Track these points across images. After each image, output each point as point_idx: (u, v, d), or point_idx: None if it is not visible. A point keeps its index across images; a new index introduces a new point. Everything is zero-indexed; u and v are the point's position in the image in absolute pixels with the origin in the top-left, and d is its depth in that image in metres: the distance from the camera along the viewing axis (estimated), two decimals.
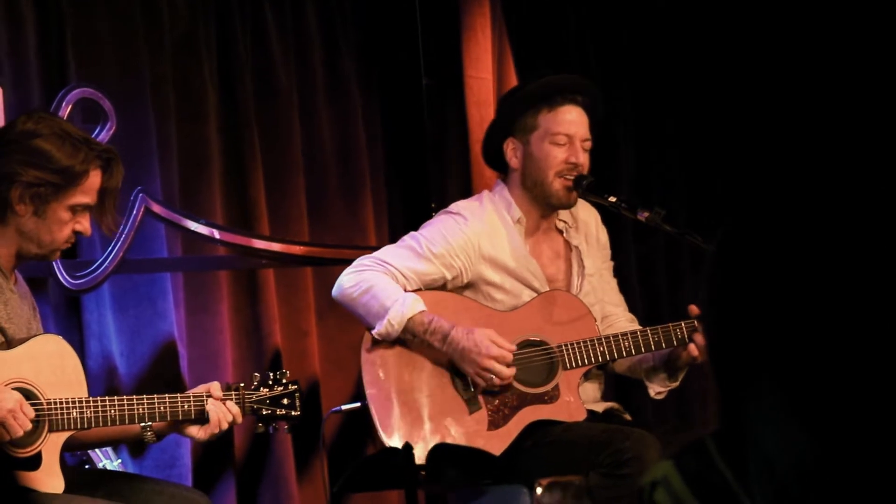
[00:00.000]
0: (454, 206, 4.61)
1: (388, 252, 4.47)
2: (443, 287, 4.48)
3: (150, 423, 3.79)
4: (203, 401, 3.79)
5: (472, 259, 4.48)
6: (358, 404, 4.51)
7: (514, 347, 4.36)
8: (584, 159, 4.51)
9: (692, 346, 4.40)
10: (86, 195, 3.76)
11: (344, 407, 4.71)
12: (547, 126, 4.51)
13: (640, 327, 4.53)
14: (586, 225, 4.70)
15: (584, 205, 4.70)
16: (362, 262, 4.44)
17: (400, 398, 4.36)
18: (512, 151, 4.56)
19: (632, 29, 6.10)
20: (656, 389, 4.61)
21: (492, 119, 4.84)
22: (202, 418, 3.79)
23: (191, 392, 3.83)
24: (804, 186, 1.37)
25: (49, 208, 3.72)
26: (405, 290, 4.38)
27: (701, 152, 6.16)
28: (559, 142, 4.49)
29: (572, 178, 4.49)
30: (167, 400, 3.77)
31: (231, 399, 3.87)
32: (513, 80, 5.70)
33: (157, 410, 3.76)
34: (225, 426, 3.81)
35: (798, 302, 1.33)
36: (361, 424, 4.61)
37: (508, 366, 4.34)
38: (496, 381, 4.32)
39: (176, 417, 3.78)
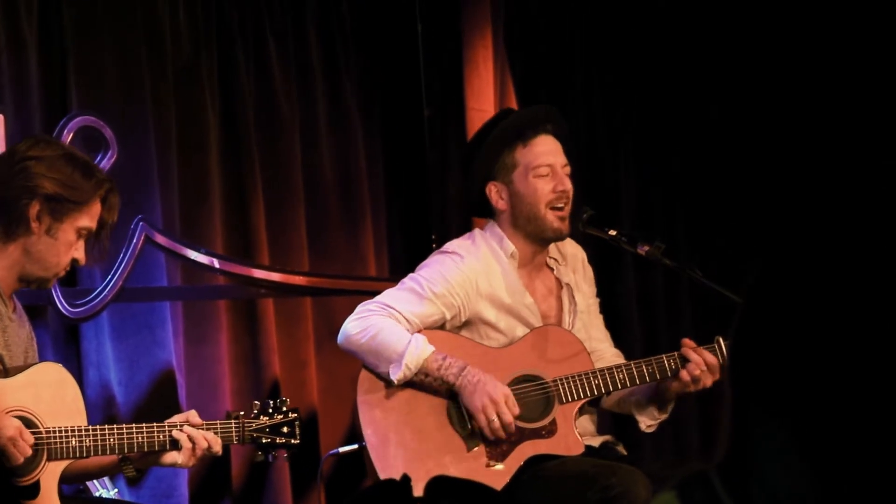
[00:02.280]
0: (448, 246, 4.61)
1: (390, 296, 4.46)
2: (441, 327, 4.48)
3: (129, 458, 3.76)
4: (180, 428, 3.77)
5: (471, 296, 4.48)
6: (355, 446, 4.50)
7: (516, 411, 4.35)
8: (569, 185, 4.52)
9: (683, 373, 4.40)
10: (92, 219, 3.77)
11: (341, 449, 4.70)
12: (526, 161, 4.50)
13: (634, 360, 4.52)
14: (574, 261, 4.70)
15: (571, 241, 4.71)
16: (366, 307, 4.42)
17: (398, 438, 4.35)
18: (497, 194, 4.55)
19: (635, 61, 6.11)
20: (647, 423, 4.61)
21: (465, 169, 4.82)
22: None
23: (175, 418, 3.81)
24: (829, 238, 1.38)
25: (61, 228, 3.72)
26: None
27: (703, 186, 6.17)
28: (542, 174, 4.49)
29: (562, 206, 4.49)
30: (167, 428, 3.76)
31: (230, 427, 3.86)
32: None
33: (155, 439, 3.75)
34: (199, 453, 3.78)
35: (819, 348, 1.35)
36: (360, 460, 4.60)
37: (510, 419, 4.34)
38: (496, 422, 4.30)
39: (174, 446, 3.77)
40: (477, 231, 4.64)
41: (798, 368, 1.35)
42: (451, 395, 4.37)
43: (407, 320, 4.37)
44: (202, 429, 3.79)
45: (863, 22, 5.85)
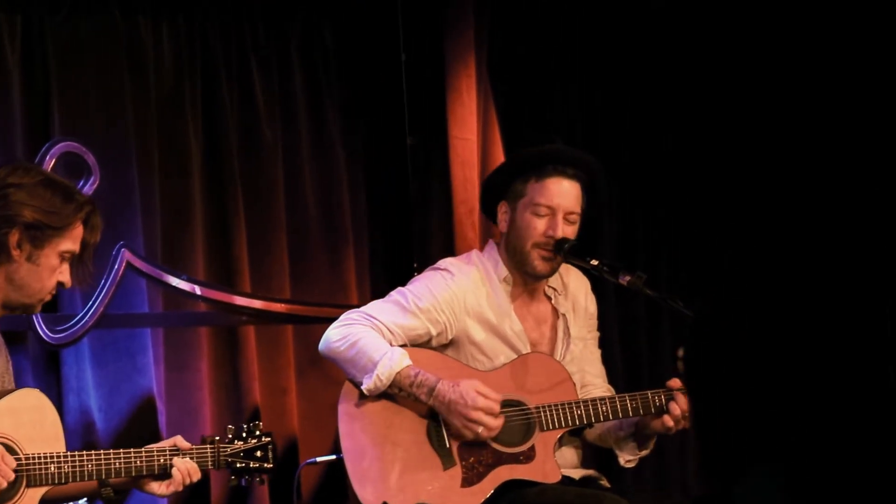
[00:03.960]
0: (441, 263, 4.61)
1: (374, 307, 4.46)
2: (427, 344, 4.47)
3: (108, 480, 3.75)
4: (168, 455, 3.77)
5: (457, 314, 4.48)
6: (333, 457, 4.49)
7: (500, 397, 4.34)
8: (564, 233, 4.49)
9: (666, 417, 4.42)
10: (74, 243, 3.76)
11: (319, 459, 4.69)
12: (532, 195, 4.51)
13: (619, 394, 4.53)
14: (576, 293, 4.70)
15: (576, 273, 4.70)
16: (349, 316, 4.44)
17: (375, 451, 4.35)
18: (503, 215, 4.57)
19: (618, 88, 6.12)
20: (626, 458, 4.61)
21: (483, 179, 4.86)
22: (164, 474, 3.76)
23: (154, 446, 3.80)
24: (779, 275, 1.42)
25: (42, 254, 3.71)
26: (391, 346, 4.38)
27: (686, 217, 6.18)
28: (540, 213, 4.49)
29: (550, 250, 4.49)
30: (143, 454, 3.76)
31: (206, 452, 3.86)
32: (497, 141, 5.72)
33: (133, 465, 3.74)
34: (187, 482, 3.79)
35: (761, 383, 1.39)
36: (336, 479, 4.60)
37: (496, 416, 4.33)
38: (484, 433, 4.31)
39: (152, 472, 3.77)
40: (475, 251, 4.66)
41: (780, 413, 1.37)
42: (431, 411, 4.37)
43: (390, 331, 4.38)
44: (190, 453, 3.79)
45: (839, 73, 5.90)
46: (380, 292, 4.84)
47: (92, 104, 5.11)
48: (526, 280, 4.59)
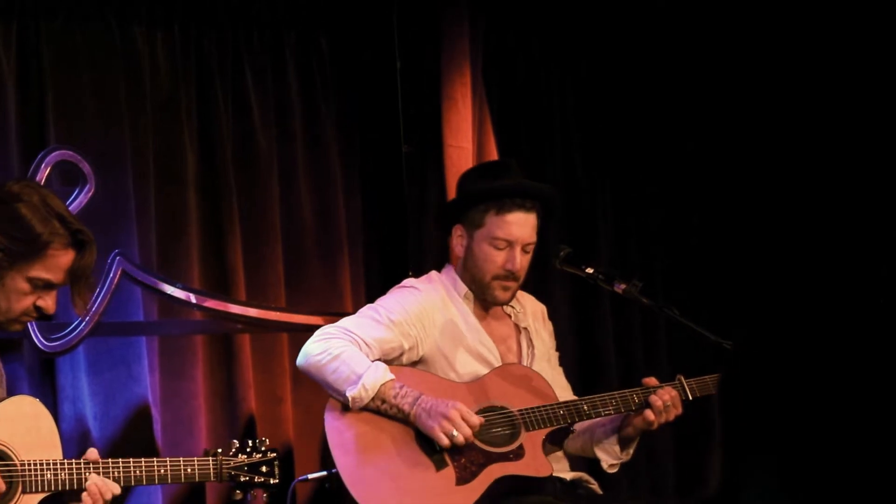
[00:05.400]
0: (406, 282, 4.72)
1: (349, 321, 4.53)
2: (398, 359, 4.52)
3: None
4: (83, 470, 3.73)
5: (427, 328, 4.53)
6: (324, 473, 4.51)
7: (480, 419, 4.37)
8: (522, 264, 4.56)
9: (648, 412, 4.46)
10: (48, 271, 3.71)
11: (311, 476, 4.70)
12: (490, 228, 4.55)
13: (598, 394, 4.57)
14: (534, 314, 4.77)
15: (530, 298, 4.77)
16: (326, 330, 4.48)
17: (368, 458, 4.37)
18: (458, 239, 4.62)
19: (615, 97, 6.13)
20: (609, 462, 4.66)
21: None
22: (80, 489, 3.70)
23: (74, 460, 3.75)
24: (809, 304, 1.47)
25: (7, 275, 3.70)
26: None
27: (682, 224, 6.18)
28: (499, 246, 4.55)
29: (510, 279, 4.54)
30: (143, 463, 3.75)
31: (207, 464, 3.85)
32: (492, 149, 5.72)
33: (132, 474, 3.73)
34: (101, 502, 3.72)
35: (800, 396, 1.42)
36: (329, 496, 4.60)
37: (475, 429, 4.35)
38: (459, 437, 4.31)
39: (143, 482, 3.75)
40: (434, 272, 4.72)
41: (784, 415, 1.39)
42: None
43: (367, 344, 4.43)
44: (98, 467, 3.73)
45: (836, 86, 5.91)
46: (375, 300, 4.85)
47: (87, 112, 5.10)
48: (484, 298, 4.64)
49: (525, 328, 4.71)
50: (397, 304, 4.55)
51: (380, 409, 4.38)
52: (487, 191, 4.57)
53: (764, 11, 5.99)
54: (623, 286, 4.51)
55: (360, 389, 4.33)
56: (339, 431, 4.40)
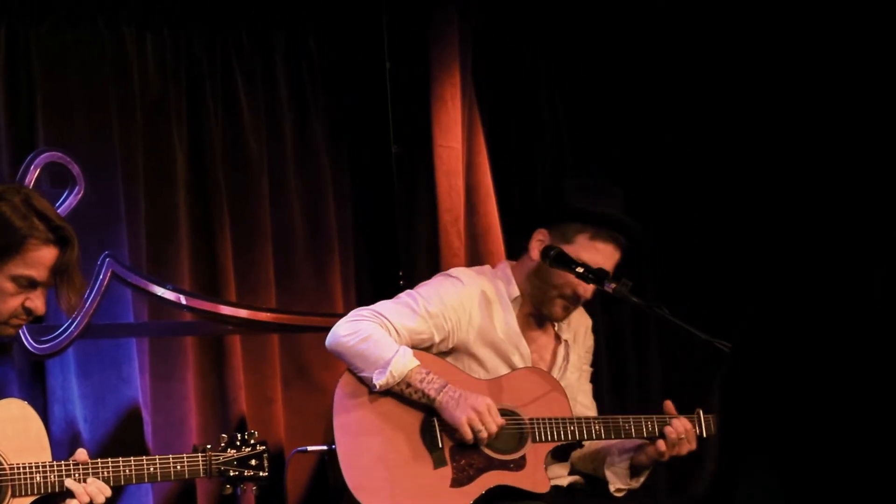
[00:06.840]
0: (453, 271, 4.65)
1: (384, 306, 4.49)
2: (428, 349, 4.49)
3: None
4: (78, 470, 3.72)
5: (462, 324, 4.50)
6: (325, 447, 4.50)
7: (502, 420, 4.36)
8: (590, 293, 4.52)
9: (660, 442, 4.43)
10: (29, 268, 3.69)
11: (310, 448, 4.70)
12: (577, 249, 4.50)
13: (612, 416, 4.55)
14: (577, 326, 4.74)
15: (581, 310, 4.73)
16: (359, 312, 4.47)
17: (367, 443, 4.37)
18: (538, 243, 4.56)
19: (605, 96, 6.13)
20: (617, 486, 4.65)
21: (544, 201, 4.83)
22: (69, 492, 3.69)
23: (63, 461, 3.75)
24: (813, 296, 1.47)
25: None
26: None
27: (675, 222, 6.17)
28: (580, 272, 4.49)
29: (574, 305, 4.53)
30: (132, 462, 3.75)
31: (196, 460, 3.85)
32: (482, 150, 5.72)
33: (122, 475, 3.73)
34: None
35: (801, 395, 1.43)
36: (327, 481, 4.59)
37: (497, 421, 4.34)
38: (483, 432, 4.30)
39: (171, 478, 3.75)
40: (488, 267, 4.68)
41: (782, 414, 1.40)
42: (427, 411, 4.38)
43: (397, 332, 4.41)
44: (88, 468, 3.73)
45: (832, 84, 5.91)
46: (365, 301, 4.85)
47: (76, 115, 5.10)
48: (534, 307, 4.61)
49: (566, 340, 4.69)
50: (436, 294, 4.50)
51: (403, 392, 4.36)
52: (591, 214, 4.53)
53: (763, 11, 5.98)
54: (613, 285, 4.50)
55: (388, 376, 4.31)
56: (345, 410, 4.39)
